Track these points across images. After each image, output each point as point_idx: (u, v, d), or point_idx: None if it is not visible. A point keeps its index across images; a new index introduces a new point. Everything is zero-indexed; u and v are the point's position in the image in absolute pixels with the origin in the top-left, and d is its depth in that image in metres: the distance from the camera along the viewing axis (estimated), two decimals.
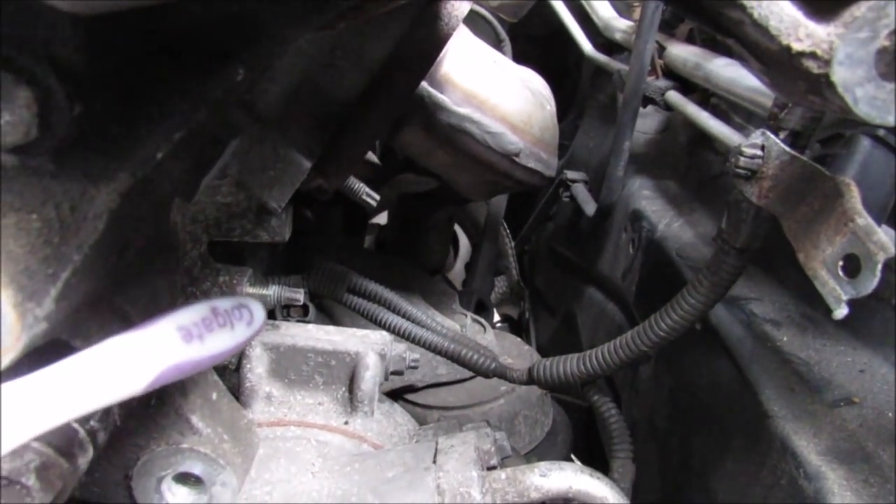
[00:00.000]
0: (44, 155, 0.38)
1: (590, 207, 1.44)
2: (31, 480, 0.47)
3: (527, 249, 2.04)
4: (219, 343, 0.46)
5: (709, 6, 0.45)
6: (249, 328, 0.48)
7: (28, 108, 0.36)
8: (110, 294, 0.49)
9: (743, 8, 0.43)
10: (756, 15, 0.43)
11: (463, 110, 0.96)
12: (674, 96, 1.23)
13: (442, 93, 0.95)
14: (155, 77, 0.41)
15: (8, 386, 0.36)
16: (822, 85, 0.44)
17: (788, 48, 0.43)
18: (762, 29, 0.43)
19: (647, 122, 1.50)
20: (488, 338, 1.26)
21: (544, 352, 1.64)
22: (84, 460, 0.50)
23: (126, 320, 0.52)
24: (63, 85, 0.37)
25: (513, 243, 1.87)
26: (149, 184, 0.44)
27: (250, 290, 0.90)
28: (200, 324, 0.45)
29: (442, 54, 0.86)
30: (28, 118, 0.36)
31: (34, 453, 0.49)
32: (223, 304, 0.47)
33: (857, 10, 0.42)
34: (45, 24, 0.36)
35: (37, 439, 0.49)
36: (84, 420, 0.51)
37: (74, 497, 0.53)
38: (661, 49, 1.28)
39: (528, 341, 1.77)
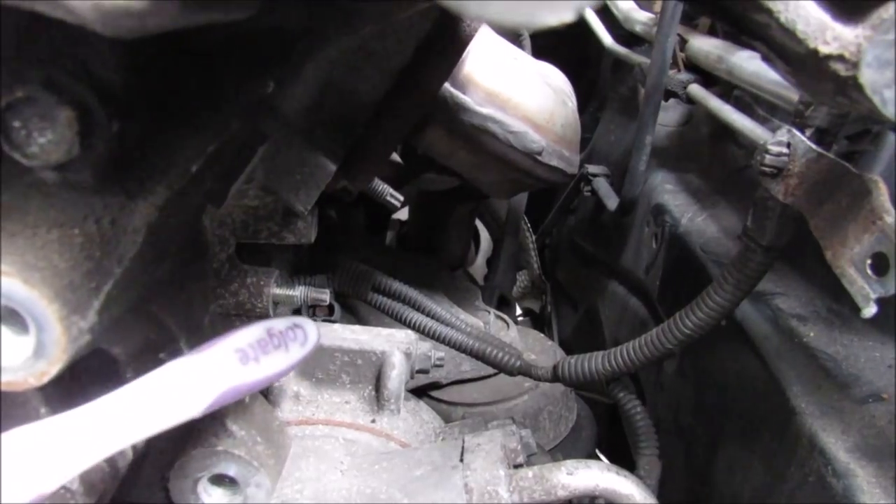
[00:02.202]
0: (84, 171, 0.40)
1: (612, 202, 1.44)
2: (74, 484, 0.48)
3: (548, 243, 2.04)
4: (274, 364, 0.47)
5: (734, 9, 0.45)
6: (303, 348, 0.49)
7: (70, 127, 0.37)
8: (147, 302, 0.50)
9: (769, 12, 0.43)
10: (783, 18, 0.43)
11: (485, 110, 0.96)
12: (696, 90, 1.22)
13: (464, 93, 0.95)
14: (189, 93, 0.42)
15: (72, 414, 0.37)
16: (850, 87, 0.44)
17: (816, 51, 0.43)
18: (789, 32, 0.43)
19: (669, 115, 1.49)
20: (512, 334, 1.27)
21: (567, 346, 1.64)
22: (124, 464, 0.52)
23: (162, 327, 0.53)
24: (102, 103, 0.38)
25: (534, 237, 1.87)
26: (184, 195, 0.45)
27: (277, 290, 0.91)
28: (256, 346, 0.46)
29: (464, 54, 0.87)
30: (70, 136, 0.37)
31: None
32: (278, 325, 0.48)
33: (886, 13, 0.42)
34: (84, 46, 0.37)
35: None
36: None
37: (114, 498, 0.55)
38: (683, 42, 1.27)
39: (551, 335, 1.77)
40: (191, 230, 0.56)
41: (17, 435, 0.34)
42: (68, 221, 0.39)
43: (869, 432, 0.68)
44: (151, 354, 0.53)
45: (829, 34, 0.43)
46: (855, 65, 0.43)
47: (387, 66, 0.80)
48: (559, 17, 0.23)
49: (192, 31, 0.36)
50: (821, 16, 0.43)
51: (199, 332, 0.57)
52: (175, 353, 0.54)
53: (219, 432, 0.58)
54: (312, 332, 0.50)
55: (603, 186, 1.53)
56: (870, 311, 0.54)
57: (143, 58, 0.40)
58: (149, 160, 0.42)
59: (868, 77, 0.42)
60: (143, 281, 0.46)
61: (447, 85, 0.93)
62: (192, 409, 0.42)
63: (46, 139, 0.37)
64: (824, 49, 0.43)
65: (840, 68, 0.43)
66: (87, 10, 0.26)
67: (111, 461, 0.50)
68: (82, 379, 0.49)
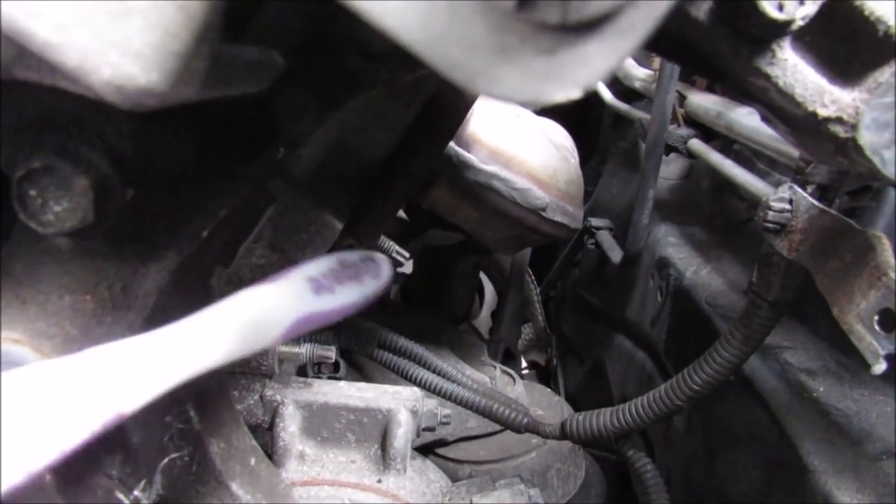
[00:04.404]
0: (98, 238, 0.40)
1: (615, 255, 1.44)
2: None
3: (552, 296, 2.04)
4: (348, 295, 0.45)
5: (733, 74, 0.46)
6: (377, 281, 0.47)
7: (85, 196, 0.38)
8: None
9: (767, 76, 0.44)
10: (781, 83, 0.44)
11: (490, 168, 0.98)
12: (696, 144, 1.24)
13: (469, 151, 0.97)
14: (201, 160, 0.43)
15: (147, 336, 0.35)
16: (849, 148, 0.45)
17: (814, 114, 0.44)
18: (787, 96, 0.44)
19: (670, 168, 1.51)
20: (518, 390, 1.25)
21: (573, 399, 1.62)
22: None
23: (174, 397, 0.53)
24: (117, 172, 0.39)
25: (538, 290, 1.87)
26: (194, 258, 0.46)
27: (283, 348, 0.91)
28: (330, 275, 0.43)
29: (469, 113, 0.88)
30: (85, 205, 0.38)
31: None
32: (350, 256, 0.46)
33: (881, 76, 0.43)
34: (101, 116, 0.38)
35: None
36: (128, 490, 0.52)
37: None
38: (682, 98, 1.30)
39: (556, 388, 1.75)
40: (200, 290, 0.56)
41: (97, 354, 0.33)
42: (80, 287, 0.40)
43: (884, 490, 0.67)
44: (158, 418, 0.52)
45: (826, 97, 0.44)
46: (853, 127, 0.44)
47: (393, 127, 0.81)
48: (567, 94, 0.24)
49: (206, 102, 0.37)
50: (818, 80, 0.44)
51: (206, 393, 0.57)
52: (182, 415, 0.54)
53: (224, 496, 0.57)
54: (385, 267, 0.48)
55: (606, 239, 1.53)
56: (879, 367, 0.54)
57: (157, 128, 0.41)
58: (160, 226, 0.43)
59: (867, 139, 0.43)
60: None
61: (452, 143, 0.94)
62: (266, 337, 0.39)
63: (62, 207, 0.38)
64: (823, 112, 0.44)
65: (839, 130, 0.44)
66: (110, 89, 0.27)
67: None
68: (89, 445, 0.48)
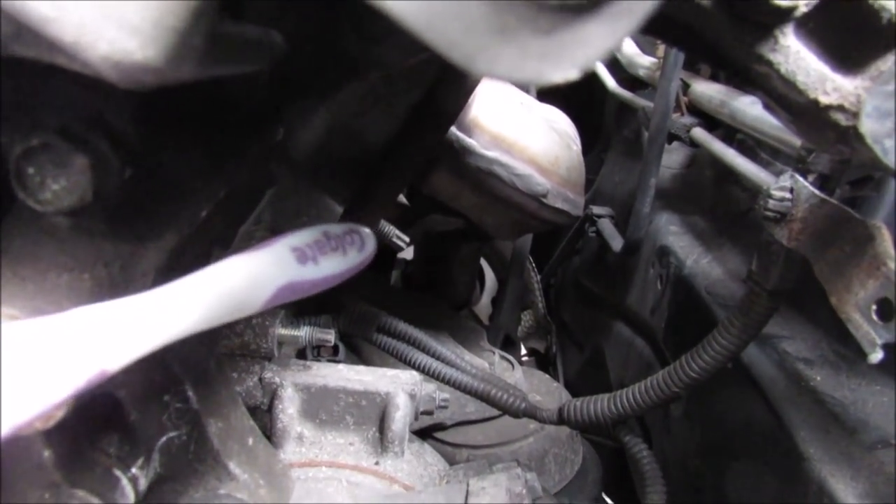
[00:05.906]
0: (96, 217, 0.40)
1: (616, 243, 1.44)
2: None
3: (553, 283, 2.04)
4: (332, 266, 0.45)
5: (736, 60, 0.46)
6: (361, 254, 0.47)
7: (83, 174, 0.38)
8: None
9: (770, 63, 0.44)
10: (783, 70, 0.44)
11: (491, 153, 0.97)
12: (699, 133, 1.23)
13: (470, 136, 0.96)
14: (201, 140, 0.43)
15: (133, 299, 0.36)
16: (850, 136, 0.45)
17: (816, 101, 0.44)
18: (790, 83, 0.44)
19: (673, 157, 1.51)
20: (517, 376, 1.26)
21: (572, 387, 1.63)
22: None
23: (167, 369, 0.53)
24: (116, 151, 0.39)
25: (539, 277, 1.87)
26: (192, 239, 0.46)
27: (282, 331, 0.91)
28: (314, 246, 0.44)
29: (470, 98, 0.88)
30: (83, 183, 0.38)
31: (78, 500, 0.50)
32: (334, 228, 0.47)
33: (884, 64, 0.43)
34: (100, 95, 0.38)
35: (81, 487, 0.50)
36: (126, 468, 0.52)
37: None
38: (686, 86, 1.29)
39: (555, 376, 1.76)
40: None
41: (81, 314, 0.33)
42: (78, 266, 0.40)
43: (878, 479, 0.68)
44: (156, 397, 0.53)
45: (829, 85, 0.44)
46: (855, 115, 0.43)
47: (394, 110, 0.81)
48: (564, 74, 0.24)
49: (205, 81, 0.37)
50: (820, 67, 0.44)
51: (205, 373, 0.57)
52: (180, 394, 0.54)
53: (221, 475, 0.58)
54: (369, 240, 0.48)
55: (607, 227, 1.53)
56: (876, 356, 0.54)
57: (156, 108, 0.41)
58: (160, 206, 0.43)
59: (868, 127, 0.43)
60: None
61: (453, 128, 0.94)
62: (249, 304, 0.40)
63: (60, 186, 0.38)
64: (825, 100, 0.44)
65: (840, 118, 0.44)
66: (106, 65, 0.27)
67: None
68: (87, 423, 0.49)
